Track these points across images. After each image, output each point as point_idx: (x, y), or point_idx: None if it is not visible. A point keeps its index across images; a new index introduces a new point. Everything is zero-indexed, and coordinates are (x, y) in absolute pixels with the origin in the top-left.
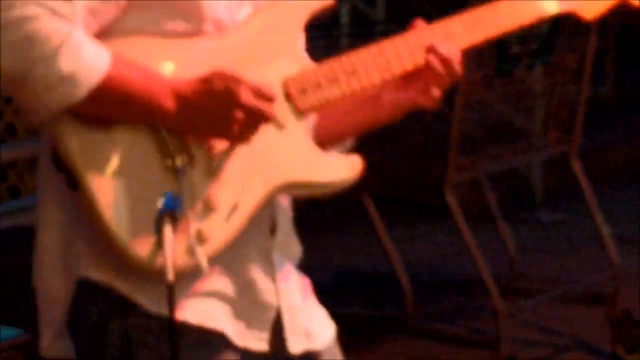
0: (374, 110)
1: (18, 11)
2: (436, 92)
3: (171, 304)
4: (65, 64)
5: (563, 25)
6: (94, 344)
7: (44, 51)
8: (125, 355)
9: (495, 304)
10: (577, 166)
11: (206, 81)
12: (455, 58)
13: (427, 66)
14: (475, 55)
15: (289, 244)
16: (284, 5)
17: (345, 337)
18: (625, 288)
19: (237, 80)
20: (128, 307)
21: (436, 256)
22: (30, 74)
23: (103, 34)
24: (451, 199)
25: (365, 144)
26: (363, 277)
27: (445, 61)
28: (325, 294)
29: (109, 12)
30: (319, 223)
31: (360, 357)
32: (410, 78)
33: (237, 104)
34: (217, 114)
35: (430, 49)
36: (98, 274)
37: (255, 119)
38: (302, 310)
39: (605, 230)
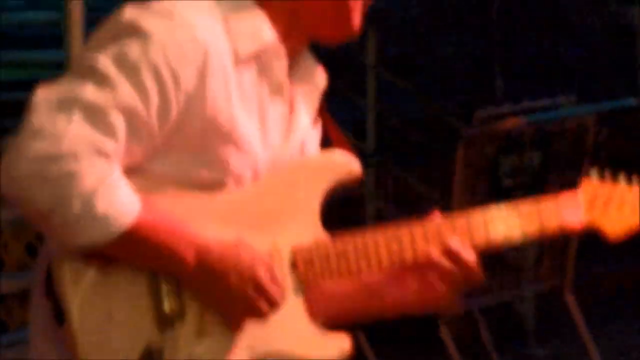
0: (377, 304)
1: (65, 147)
2: (443, 288)
3: None
4: (101, 204)
5: (555, 160)
6: None
7: (82, 190)
8: None
9: None
10: (570, 300)
11: (234, 253)
12: (473, 264)
13: (443, 268)
14: (467, 188)
15: None
16: (309, 167)
17: None
18: None
19: (261, 261)
20: None
21: None
22: (65, 209)
23: (129, 170)
24: (445, 334)
25: None
26: None
27: (451, 257)
28: None
29: (140, 152)
30: None
31: None
32: (419, 269)
33: (255, 283)
34: (231, 287)
35: (448, 253)
36: None
37: (263, 305)
38: None
39: None
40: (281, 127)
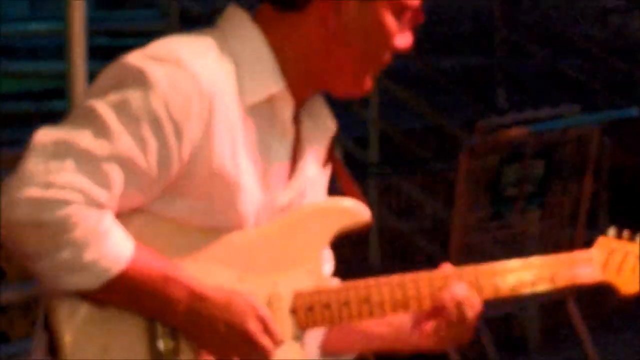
0: (401, 344)
1: (54, 193)
2: (444, 335)
3: None
4: (90, 253)
5: (558, 169)
6: None
7: (72, 238)
8: None
9: None
10: (574, 311)
11: (226, 302)
12: (466, 300)
13: (441, 305)
14: (469, 197)
15: None
16: (316, 213)
17: None
18: None
19: (253, 312)
20: None
21: None
22: (54, 255)
23: (133, 210)
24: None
25: None
26: None
27: (456, 302)
28: None
29: (142, 198)
30: None
31: None
32: (426, 318)
33: (246, 334)
34: (222, 336)
35: (445, 288)
36: None
37: (255, 355)
38: None
39: None
40: (285, 171)
